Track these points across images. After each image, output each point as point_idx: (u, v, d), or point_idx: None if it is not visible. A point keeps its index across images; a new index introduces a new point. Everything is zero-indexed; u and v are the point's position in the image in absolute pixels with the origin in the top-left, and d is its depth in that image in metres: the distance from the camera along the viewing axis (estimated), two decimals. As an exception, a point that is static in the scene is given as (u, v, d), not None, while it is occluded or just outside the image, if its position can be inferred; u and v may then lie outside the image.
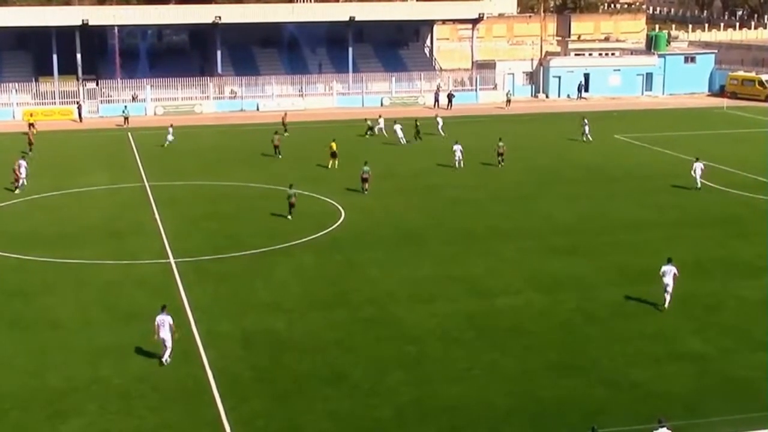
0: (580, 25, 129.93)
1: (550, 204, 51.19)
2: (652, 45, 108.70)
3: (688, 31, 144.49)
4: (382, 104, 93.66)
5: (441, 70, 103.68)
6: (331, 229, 45.79)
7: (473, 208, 50.21)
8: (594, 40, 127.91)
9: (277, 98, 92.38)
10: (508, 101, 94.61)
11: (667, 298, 34.35)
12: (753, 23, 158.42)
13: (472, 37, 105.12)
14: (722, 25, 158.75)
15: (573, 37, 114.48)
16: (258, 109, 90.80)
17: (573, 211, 49.34)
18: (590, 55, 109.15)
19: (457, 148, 60.69)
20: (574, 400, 27.00)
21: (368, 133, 73.80)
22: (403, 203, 51.32)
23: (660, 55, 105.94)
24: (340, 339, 31.60)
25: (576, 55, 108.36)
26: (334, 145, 61.97)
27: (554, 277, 38.16)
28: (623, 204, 51.27)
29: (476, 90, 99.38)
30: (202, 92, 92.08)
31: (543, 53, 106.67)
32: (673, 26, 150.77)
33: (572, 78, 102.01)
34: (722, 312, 34.23)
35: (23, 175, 55.05)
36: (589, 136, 67.71)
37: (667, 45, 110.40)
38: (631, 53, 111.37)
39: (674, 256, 40.56)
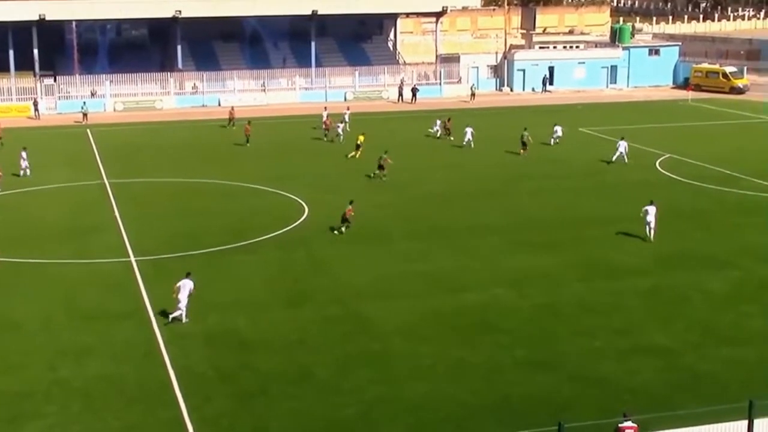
0: (545, 18, 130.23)
1: (517, 199, 51.36)
2: (616, 37, 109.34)
3: (652, 24, 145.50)
4: (345, 99, 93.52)
5: (405, 63, 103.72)
6: (294, 225, 45.66)
7: (440, 203, 50.25)
8: (558, 33, 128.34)
9: (239, 93, 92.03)
10: (473, 95, 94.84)
11: (651, 233, 41.65)
12: (717, 15, 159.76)
13: (436, 31, 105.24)
14: (686, 17, 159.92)
15: (537, 30, 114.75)
16: (219, 105, 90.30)
17: (540, 206, 49.52)
18: (555, 48, 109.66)
19: (468, 130, 65.72)
20: (542, 395, 27.08)
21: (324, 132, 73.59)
22: (369, 198, 51.25)
23: (624, 48, 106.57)
24: (304, 337, 31.51)
25: (540, 48, 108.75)
26: (362, 137, 62.75)
27: (522, 273, 38.28)
28: (590, 198, 51.55)
29: (440, 84, 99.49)
30: (162, 88, 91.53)
31: (507, 46, 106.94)
32: (638, 19, 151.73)
33: (537, 71, 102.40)
34: (688, 306, 34.47)
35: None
36: (556, 140, 67.30)
37: (631, 37, 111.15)
38: (596, 46, 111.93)
39: (639, 250, 41.00)
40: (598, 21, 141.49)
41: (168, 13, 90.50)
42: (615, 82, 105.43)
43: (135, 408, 26.49)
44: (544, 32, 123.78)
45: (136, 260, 39.98)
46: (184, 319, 32.45)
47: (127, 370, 28.86)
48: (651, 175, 56.88)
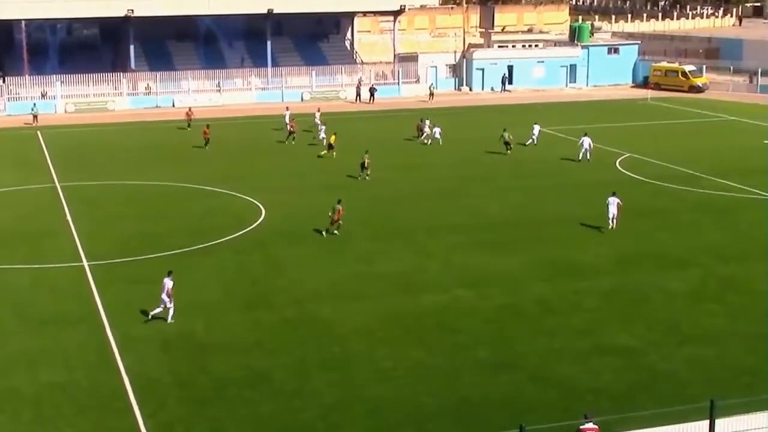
0: (504, 17, 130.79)
1: (476, 198, 51.51)
2: (575, 36, 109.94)
3: (611, 22, 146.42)
4: (302, 99, 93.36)
5: (362, 63, 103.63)
6: (251, 227, 45.49)
7: (399, 203, 50.29)
8: (517, 32, 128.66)
9: (193, 94, 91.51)
10: (431, 94, 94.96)
11: (612, 223, 43.73)
12: (675, 13, 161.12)
13: (394, 30, 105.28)
14: (645, 15, 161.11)
15: (496, 29, 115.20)
16: (174, 105, 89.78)
17: (500, 206, 49.71)
18: (514, 46, 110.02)
19: (437, 129, 67.39)
20: (503, 397, 27.14)
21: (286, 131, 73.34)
22: (328, 200, 51.06)
23: (583, 47, 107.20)
24: (262, 340, 31.39)
25: (499, 47, 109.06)
26: (333, 138, 62.89)
27: (481, 273, 38.38)
28: (550, 198, 51.80)
29: (398, 83, 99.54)
30: (114, 88, 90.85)
31: (466, 45, 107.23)
32: (596, 17, 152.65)
33: (496, 70, 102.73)
34: (649, 305, 34.73)
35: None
36: (535, 141, 67.06)
37: (590, 36, 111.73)
38: (555, 45, 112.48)
39: (602, 249, 41.23)
40: (557, 20, 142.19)
41: (120, 12, 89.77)
42: (574, 81, 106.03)
43: (88, 416, 26.22)
44: (503, 31, 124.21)
45: (89, 265, 39.61)
46: (168, 319, 32.75)
47: (79, 377, 28.58)
48: (611, 174, 57.25)
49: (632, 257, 40.55)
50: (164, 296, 32.68)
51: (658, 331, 32.22)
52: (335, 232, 43.73)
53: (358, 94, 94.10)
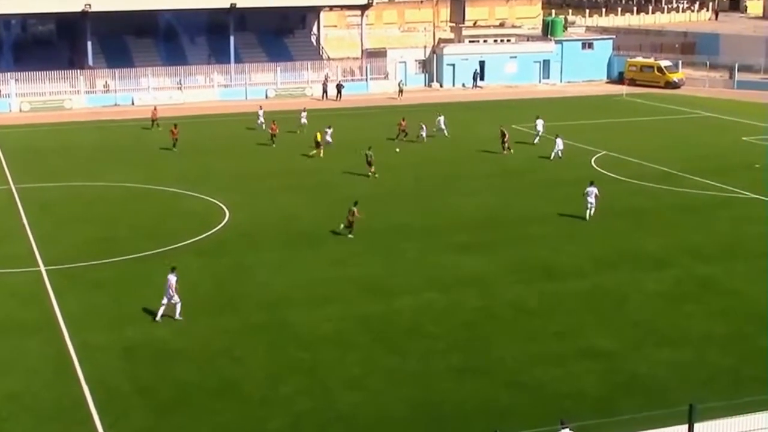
0: (475, 11, 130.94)
1: (450, 199, 51.58)
2: (548, 31, 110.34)
3: (585, 16, 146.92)
4: (266, 96, 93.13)
5: (329, 59, 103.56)
6: (216, 229, 45.36)
7: (371, 204, 50.15)
8: (489, 26, 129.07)
9: (153, 91, 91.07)
10: (401, 91, 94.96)
11: (589, 212, 45.63)
12: (650, 8, 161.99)
13: (362, 24, 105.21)
14: (619, 9, 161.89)
15: (467, 23, 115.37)
16: (133, 104, 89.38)
17: (474, 206, 49.80)
18: (485, 41, 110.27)
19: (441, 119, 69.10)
20: (478, 403, 27.21)
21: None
22: (295, 201, 51.14)
23: (557, 41, 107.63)
24: (228, 347, 31.30)
25: (470, 42, 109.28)
26: (319, 135, 63.10)
27: (456, 275, 38.45)
28: (525, 197, 51.98)
29: (367, 80, 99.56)
30: (72, 86, 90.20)
31: (436, 40, 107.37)
32: (570, 11, 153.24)
33: (467, 66, 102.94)
34: (627, 306, 34.94)
35: None
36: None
37: (563, 30, 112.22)
38: (528, 40, 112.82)
39: (576, 250, 41.48)
40: (529, 14, 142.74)
41: (77, 7, 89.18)
42: (548, 77, 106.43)
43: (47, 427, 26.06)
44: (474, 25, 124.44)
45: (46, 270, 39.36)
46: (176, 315, 33.44)
47: (38, 387, 28.39)
48: (586, 172, 57.38)
49: (609, 258, 40.78)
50: (170, 293, 33.31)
51: (636, 333, 32.42)
52: (350, 235, 43.63)
53: (325, 91, 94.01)
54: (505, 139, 63.36)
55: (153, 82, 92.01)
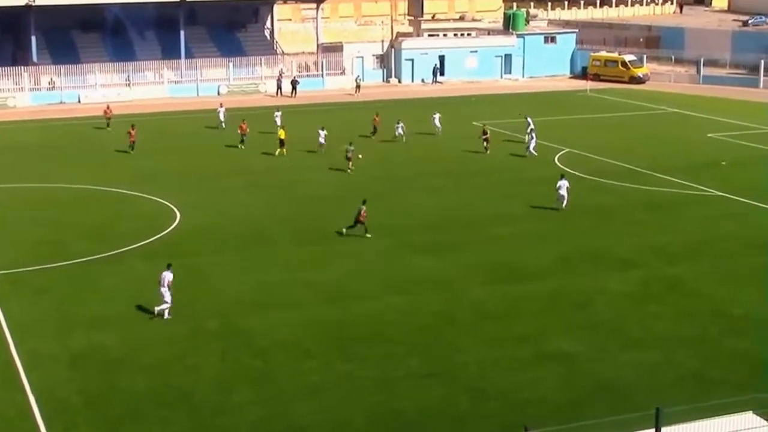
0: (433, 4, 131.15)
1: (410, 199, 51.67)
2: (509, 24, 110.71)
3: (547, 9, 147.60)
4: (219, 93, 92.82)
5: (283, 54, 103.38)
6: (166, 232, 45.15)
7: (328, 205, 50.22)
8: (448, 20, 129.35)
9: (101, 88, 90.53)
10: (358, 87, 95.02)
11: (564, 203, 47.45)
12: (614, 0, 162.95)
13: (317, 18, 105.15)
14: (582, 2, 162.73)
15: (426, 17, 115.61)
16: (80, 101, 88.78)
17: (434, 206, 49.89)
18: (445, 35, 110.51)
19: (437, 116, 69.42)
20: (438, 410, 27.25)
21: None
22: (250, 201, 51.00)
23: (519, 35, 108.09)
24: (180, 354, 31.16)
25: (430, 35, 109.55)
26: (282, 133, 63.08)
27: (416, 278, 38.51)
28: (486, 197, 52.12)
29: (322, 75, 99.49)
30: (15, 83, 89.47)
31: (394, 34, 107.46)
32: (532, 4, 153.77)
33: (426, 61, 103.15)
34: (591, 309, 35.16)
35: None
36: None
37: (525, 24, 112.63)
38: (488, 33, 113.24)
39: (541, 250, 41.70)
40: (490, 6, 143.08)
41: (20, 1, 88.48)
42: (510, 72, 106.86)
43: (-9, 439, 25.90)
44: (433, 19, 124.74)
45: (-12, 275, 39.09)
46: (165, 315, 33.83)
47: (-19, 398, 28.18)
48: (550, 171, 57.63)
49: (573, 258, 41.00)
50: (163, 289, 33.75)
51: (601, 335, 32.63)
52: (367, 234, 43.64)
53: (279, 87, 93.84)
54: (487, 137, 63.19)
55: (100, 78, 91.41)
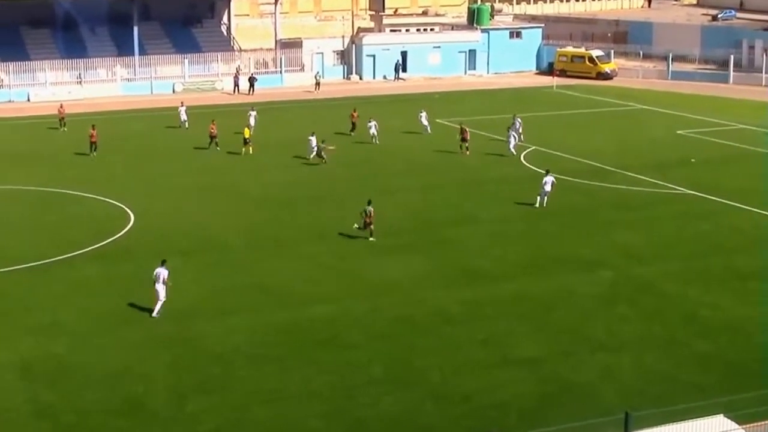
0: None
1: (367, 199, 51.43)
2: (474, 19, 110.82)
3: (512, 4, 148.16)
4: (174, 91, 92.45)
5: (241, 50, 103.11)
6: (119, 236, 44.84)
7: (283, 207, 50.08)
8: (411, 15, 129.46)
9: (51, 86, 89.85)
10: (318, 84, 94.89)
11: (543, 200, 47.88)
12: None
13: (275, 13, 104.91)
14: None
15: (388, 11, 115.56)
16: (29, 100, 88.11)
17: (394, 207, 49.73)
18: (407, 31, 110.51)
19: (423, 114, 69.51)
20: (400, 417, 27.23)
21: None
22: (203, 204, 50.73)
23: (483, 30, 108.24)
24: (132, 362, 30.95)
25: (392, 31, 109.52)
26: (247, 132, 62.98)
27: (375, 282, 38.46)
28: (448, 197, 52.10)
29: (281, 72, 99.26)
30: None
31: (355, 30, 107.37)
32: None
33: (388, 57, 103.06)
34: (557, 311, 35.22)
35: None
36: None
37: (490, 19, 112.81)
38: (452, 28, 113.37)
39: (505, 252, 41.74)
40: (453, 1, 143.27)
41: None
42: (474, 68, 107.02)
43: (-66, 452, 25.60)
44: (395, 14, 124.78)
45: (-68, 281, 38.67)
46: (154, 313, 34.55)
47: (-77, 410, 27.86)
48: (516, 170, 57.92)
49: (539, 260, 41.07)
50: (159, 286, 34.43)
51: (567, 339, 32.70)
52: (371, 238, 43.57)
53: (237, 85, 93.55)
54: (465, 137, 62.40)
55: (51, 76, 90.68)
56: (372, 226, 43.51)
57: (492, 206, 49.31)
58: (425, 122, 69.95)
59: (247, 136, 63.00)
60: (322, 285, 38.16)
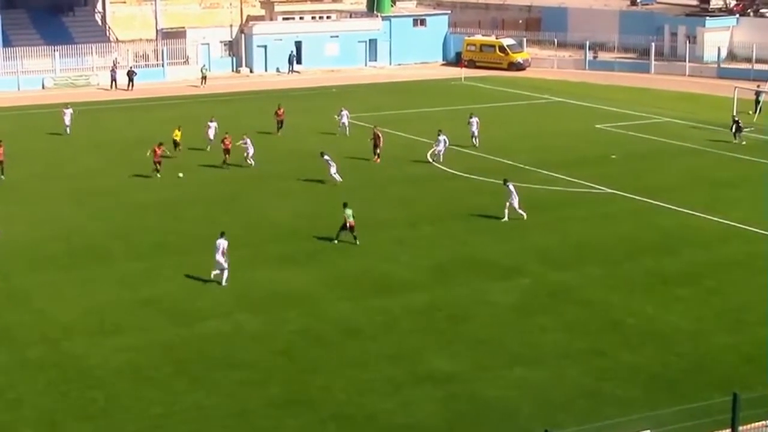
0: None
1: (260, 203, 51.46)
2: (374, 6, 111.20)
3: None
4: (43, 86, 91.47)
5: (117, 41, 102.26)
6: (-18, 247, 44.13)
7: (166, 213, 49.67)
8: (305, 1, 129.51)
9: None
10: (204, 78, 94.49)
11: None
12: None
13: (155, 0, 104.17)
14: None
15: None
16: None
17: (289, 211, 49.73)
18: (302, 19, 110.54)
19: (344, 113, 68.72)
20: (301, 442, 27.16)
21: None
22: (76, 211, 50.11)
23: (384, 18, 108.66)
24: (0, 387, 30.42)
25: (284, 19, 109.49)
26: (178, 134, 62.65)
27: (271, 293, 38.33)
28: (348, 199, 51.70)
29: (163, 65, 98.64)
30: None
31: (244, 18, 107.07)
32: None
33: (281, 48, 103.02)
34: (471, 323, 35.38)
35: None
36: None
37: (392, 5, 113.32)
38: (351, 16, 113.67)
39: (413, 259, 41.85)
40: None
41: None
42: (375, 59, 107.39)
43: None
44: (288, 0, 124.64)
45: None
46: (223, 282, 38.51)
47: None
48: (422, 169, 58.14)
49: (449, 267, 41.24)
50: (219, 257, 38.22)
51: (482, 352, 32.86)
52: (357, 242, 43.78)
53: (114, 80, 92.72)
54: (378, 143, 60.98)
55: None
56: (354, 230, 43.80)
57: (396, 208, 49.41)
58: (345, 121, 69.09)
59: (176, 138, 62.27)
60: (211, 298, 37.89)
